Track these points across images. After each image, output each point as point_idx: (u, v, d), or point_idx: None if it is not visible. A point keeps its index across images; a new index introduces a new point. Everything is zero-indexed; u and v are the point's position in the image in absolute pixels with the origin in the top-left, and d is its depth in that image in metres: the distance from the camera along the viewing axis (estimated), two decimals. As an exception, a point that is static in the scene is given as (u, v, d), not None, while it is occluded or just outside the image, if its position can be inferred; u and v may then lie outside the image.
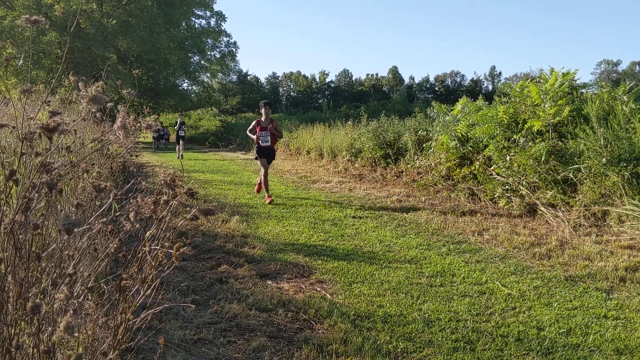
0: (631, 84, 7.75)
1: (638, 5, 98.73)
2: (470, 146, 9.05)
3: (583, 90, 8.48)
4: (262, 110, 8.58)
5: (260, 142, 8.51)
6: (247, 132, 8.89)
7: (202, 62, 36.41)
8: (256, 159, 8.76)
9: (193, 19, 35.22)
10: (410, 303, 3.89)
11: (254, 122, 8.71)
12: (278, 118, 31.65)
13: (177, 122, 19.67)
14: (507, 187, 7.80)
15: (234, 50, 37.47)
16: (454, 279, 4.47)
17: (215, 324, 3.44)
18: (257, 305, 3.75)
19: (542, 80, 8.27)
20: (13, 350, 1.44)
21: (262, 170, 8.47)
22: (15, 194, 1.97)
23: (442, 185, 9.19)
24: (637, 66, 67.57)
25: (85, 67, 26.66)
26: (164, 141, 28.23)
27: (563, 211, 6.68)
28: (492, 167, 8.27)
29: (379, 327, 3.44)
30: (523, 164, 7.52)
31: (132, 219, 1.64)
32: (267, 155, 8.60)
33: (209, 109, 39.80)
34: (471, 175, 8.76)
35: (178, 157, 18.25)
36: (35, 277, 1.75)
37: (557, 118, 7.62)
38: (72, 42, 25.55)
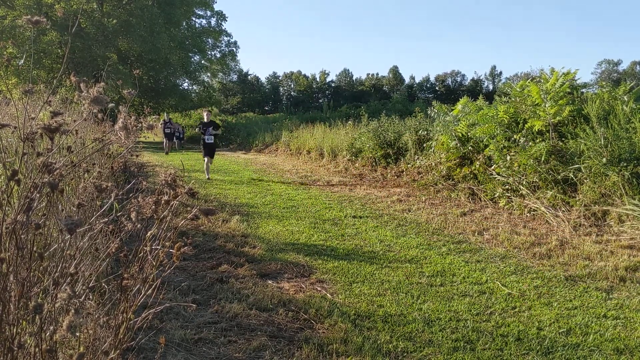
0: (631, 84, 7.76)
1: (638, 5, 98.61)
2: (471, 146, 9.05)
3: (583, 90, 8.48)
4: None
5: None
6: None
7: (202, 61, 36.39)
8: None
9: (193, 19, 35.21)
10: (410, 303, 3.90)
11: None
12: (278, 118, 31.31)
13: (200, 123, 12.10)
14: (507, 186, 7.81)
15: (234, 49, 37.45)
16: (454, 279, 4.47)
17: (215, 323, 3.44)
18: (258, 305, 3.76)
19: (542, 80, 8.27)
20: (15, 349, 1.45)
21: None
22: (16, 194, 1.98)
23: (443, 185, 9.19)
24: (638, 66, 67.52)
25: (85, 66, 26.66)
26: (177, 141, 24.09)
27: (563, 211, 6.68)
28: (493, 167, 8.27)
29: (379, 326, 3.44)
30: (523, 164, 7.53)
31: (133, 219, 1.65)
32: None
33: (210, 108, 39.77)
34: (471, 175, 8.77)
35: (207, 178, 11.36)
36: (37, 277, 1.76)
37: (558, 118, 7.62)
38: (73, 42, 25.56)
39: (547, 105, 7.73)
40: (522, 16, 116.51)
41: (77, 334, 1.77)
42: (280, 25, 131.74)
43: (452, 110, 10.31)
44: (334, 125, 17.38)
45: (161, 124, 21.99)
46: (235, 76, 57.34)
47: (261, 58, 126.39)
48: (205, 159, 11.60)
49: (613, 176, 6.35)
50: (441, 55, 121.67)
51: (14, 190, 1.74)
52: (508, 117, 8.43)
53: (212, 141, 11.62)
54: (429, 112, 11.91)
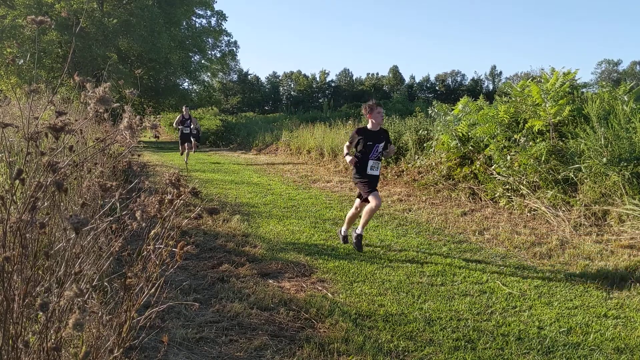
0: (632, 84, 7.77)
1: (638, 5, 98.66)
2: (471, 146, 9.06)
3: (584, 90, 8.49)
4: None
5: None
6: None
7: (202, 61, 36.38)
8: None
9: (194, 19, 35.21)
10: (411, 302, 3.90)
11: None
12: (278, 117, 31.33)
13: (358, 132, 5.51)
14: (507, 186, 7.81)
15: (234, 49, 37.48)
16: (454, 278, 4.48)
17: (217, 322, 3.45)
18: (259, 304, 3.76)
19: (542, 80, 8.28)
20: (21, 347, 1.46)
21: None
22: (19, 193, 1.99)
23: (443, 184, 9.20)
24: (638, 66, 67.52)
25: (85, 66, 26.64)
26: (193, 140, 16.17)
27: (563, 211, 6.69)
28: (493, 167, 8.28)
29: (380, 326, 3.45)
30: (524, 164, 7.53)
31: (138, 218, 1.66)
32: None
33: (210, 108, 39.78)
34: (472, 175, 8.77)
35: (357, 236, 5.40)
36: (40, 276, 1.77)
37: (558, 118, 7.63)
38: (74, 42, 25.57)
39: (547, 105, 7.73)
40: (522, 16, 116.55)
41: (81, 332, 1.78)
42: (281, 25, 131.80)
43: (453, 110, 10.32)
44: (334, 125, 17.37)
45: (176, 123, 15.30)
46: (235, 76, 57.41)
47: (261, 58, 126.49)
48: (372, 198, 5.34)
49: (613, 176, 6.36)
50: (441, 55, 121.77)
51: (17, 189, 1.74)
52: (508, 117, 8.44)
53: (378, 172, 5.52)
54: (429, 111, 11.90)
